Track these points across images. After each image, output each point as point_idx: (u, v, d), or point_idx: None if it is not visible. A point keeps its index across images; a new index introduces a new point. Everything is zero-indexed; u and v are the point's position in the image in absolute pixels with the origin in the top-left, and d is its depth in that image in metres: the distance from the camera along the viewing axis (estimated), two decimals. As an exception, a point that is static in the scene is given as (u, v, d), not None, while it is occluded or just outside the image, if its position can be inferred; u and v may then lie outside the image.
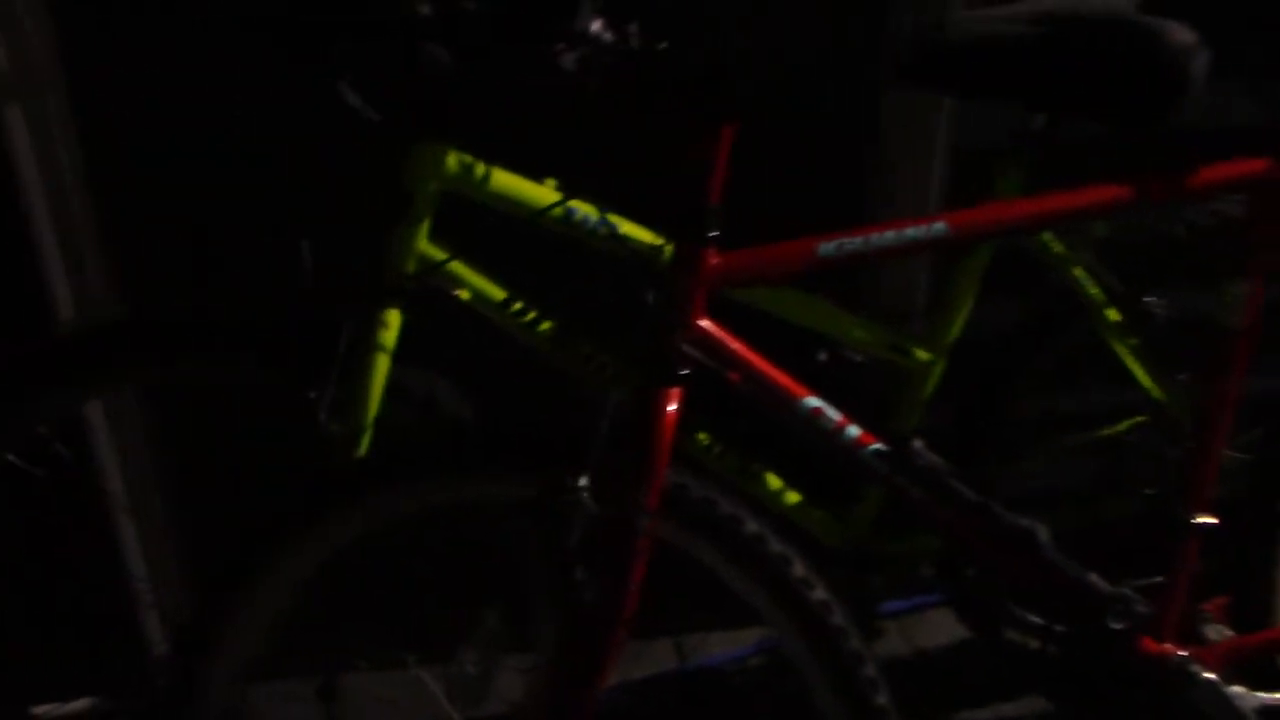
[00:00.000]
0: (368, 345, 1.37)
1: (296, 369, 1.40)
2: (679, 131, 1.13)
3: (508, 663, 1.82)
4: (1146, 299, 1.68)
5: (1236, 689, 1.46)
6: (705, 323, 1.20)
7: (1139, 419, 1.80)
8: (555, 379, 1.48)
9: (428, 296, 1.39)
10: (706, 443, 1.57)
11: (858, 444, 1.29)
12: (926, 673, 2.09)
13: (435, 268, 1.37)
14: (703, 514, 1.25)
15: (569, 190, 1.40)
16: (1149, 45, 1.29)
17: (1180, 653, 1.45)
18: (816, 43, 1.77)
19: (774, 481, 1.62)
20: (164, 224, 1.70)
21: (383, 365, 1.38)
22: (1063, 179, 1.30)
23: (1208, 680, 1.45)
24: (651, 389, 1.18)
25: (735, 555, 1.25)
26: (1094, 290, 1.66)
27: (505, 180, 1.39)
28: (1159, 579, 1.43)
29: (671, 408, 1.18)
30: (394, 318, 1.38)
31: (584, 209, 1.40)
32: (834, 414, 1.27)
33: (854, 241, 1.23)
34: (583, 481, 1.17)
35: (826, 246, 1.22)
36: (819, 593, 1.26)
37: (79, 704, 1.96)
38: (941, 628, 2.14)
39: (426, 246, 1.38)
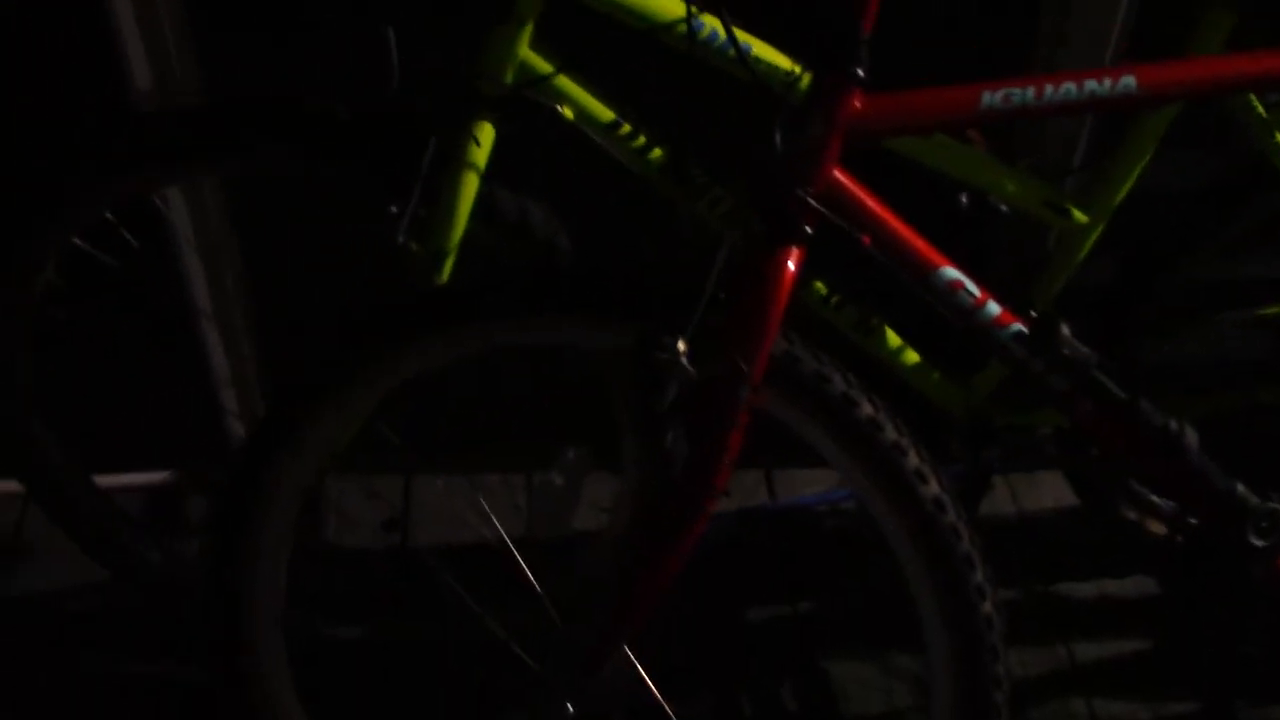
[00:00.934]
0: (456, 161, 1.27)
1: (378, 177, 1.32)
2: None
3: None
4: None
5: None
6: (839, 174, 1.09)
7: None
8: (661, 217, 1.38)
9: (527, 111, 1.27)
10: (824, 293, 1.45)
11: (997, 323, 1.19)
12: (1030, 539, 2.02)
13: (538, 81, 1.25)
14: (813, 391, 1.15)
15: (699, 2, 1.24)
16: None
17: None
18: None
19: (893, 339, 1.51)
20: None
21: (471, 185, 1.29)
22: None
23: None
24: (770, 246, 1.07)
25: (845, 441, 1.17)
26: None
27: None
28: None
29: (790, 268, 1.08)
30: (487, 132, 1.27)
31: (712, 23, 1.25)
32: (974, 288, 1.17)
33: (1024, 93, 1.11)
34: (681, 340, 1.07)
35: (992, 97, 1.10)
36: (932, 487, 1.18)
37: (156, 475, 1.97)
38: (1050, 491, 2.05)
39: (529, 54, 1.25)
